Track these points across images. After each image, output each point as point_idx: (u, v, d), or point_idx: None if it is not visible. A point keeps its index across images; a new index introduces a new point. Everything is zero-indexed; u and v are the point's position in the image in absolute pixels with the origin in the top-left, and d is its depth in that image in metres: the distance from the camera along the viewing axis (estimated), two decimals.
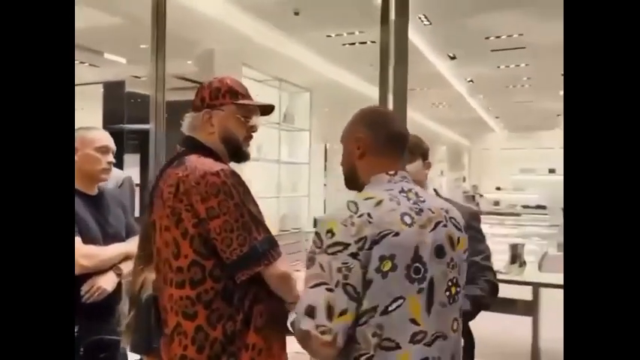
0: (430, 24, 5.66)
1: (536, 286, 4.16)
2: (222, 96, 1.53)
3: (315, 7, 4.99)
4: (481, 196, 14.75)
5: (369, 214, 1.14)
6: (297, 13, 5.04)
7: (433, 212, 1.22)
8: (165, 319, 1.47)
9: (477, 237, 1.89)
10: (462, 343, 1.34)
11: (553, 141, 15.32)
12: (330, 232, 1.14)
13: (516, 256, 4.36)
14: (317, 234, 1.17)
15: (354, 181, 1.35)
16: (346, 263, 1.11)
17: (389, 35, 2.39)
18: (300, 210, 6.95)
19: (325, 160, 8.23)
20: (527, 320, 4.16)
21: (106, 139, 1.92)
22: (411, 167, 1.98)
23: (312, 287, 1.14)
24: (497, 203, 13.92)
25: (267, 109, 1.66)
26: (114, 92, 5.67)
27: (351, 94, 8.20)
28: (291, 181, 6.90)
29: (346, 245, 1.12)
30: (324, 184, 8.26)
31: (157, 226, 1.48)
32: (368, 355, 1.13)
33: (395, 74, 1.79)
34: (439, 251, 1.19)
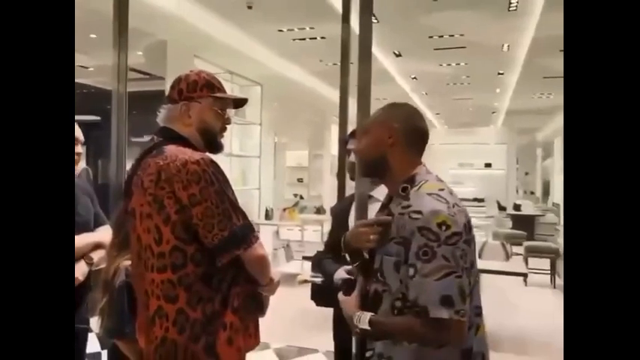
0: (377, 22, 5.84)
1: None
2: (200, 89, 1.59)
3: (268, 1, 5.04)
4: None
5: (457, 204, 1.27)
6: (249, 7, 5.06)
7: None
8: (146, 304, 1.51)
9: None
10: None
11: (489, 137, 16.08)
12: (444, 224, 1.21)
13: None
14: (426, 229, 1.22)
15: (379, 168, 1.42)
16: (463, 250, 1.22)
17: (349, 32, 2.50)
18: (252, 202, 6.99)
19: (274, 154, 8.28)
20: None
21: (75, 130, 1.93)
22: None
23: (439, 279, 1.19)
24: None
25: (240, 102, 1.73)
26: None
27: (300, 89, 8.28)
28: (242, 174, 6.92)
29: (460, 234, 1.22)
30: (274, 177, 8.31)
31: (137, 213, 1.52)
32: (469, 324, 1.28)
33: (360, 71, 1.88)
34: None
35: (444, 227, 1.21)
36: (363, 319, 1.31)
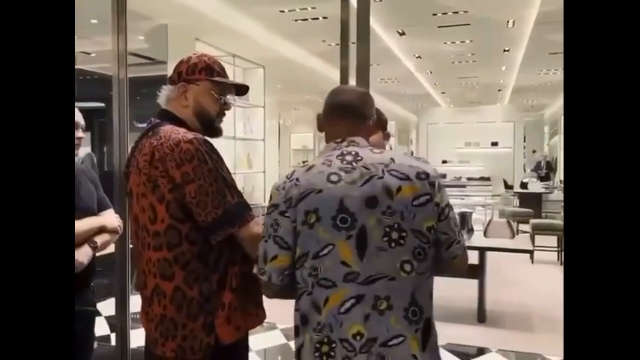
0: (380, 0, 5.77)
1: (483, 251, 4.46)
2: (199, 72, 1.60)
3: None
4: None
5: (297, 179, 1.36)
6: None
7: (367, 169, 1.34)
8: (144, 282, 1.54)
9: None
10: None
11: (495, 115, 15.97)
12: (270, 197, 1.39)
13: (465, 224, 4.65)
14: None
15: None
16: (275, 219, 1.35)
17: (348, 12, 2.48)
18: (258, 185, 7.02)
19: (279, 137, 8.28)
20: (474, 283, 4.46)
21: (75, 115, 1.94)
22: (372, 139, 2.11)
23: (261, 241, 1.40)
24: (443, 176, 14.43)
25: (242, 89, 1.73)
26: None
27: (303, 70, 8.23)
28: (246, 157, 6.93)
29: (277, 206, 1.35)
30: (278, 160, 8.33)
31: (134, 193, 1.54)
32: (308, 292, 1.34)
33: (358, 50, 1.88)
34: (371, 202, 1.31)
35: (270, 199, 1.39)
36: None
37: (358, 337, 1.30)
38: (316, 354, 1.32)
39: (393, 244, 1.30)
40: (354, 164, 1.35)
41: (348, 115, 1.44)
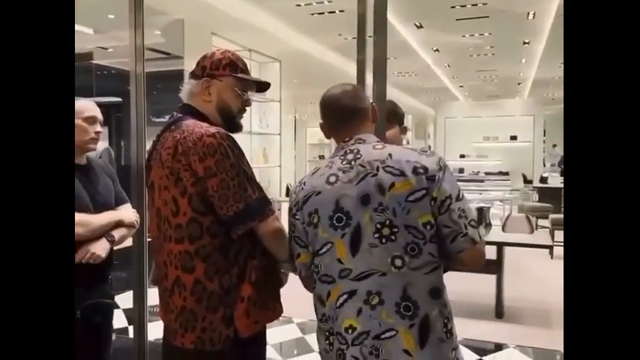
0: None
1: (501, 246, 4.41)
2: (223, 67, 1.61)
3: None
4: None
5: (304, 183, 1.47)
6: None
7: (364, 167, 1.36)
8: (165, 274, 1.55)
9: None
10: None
11: (514, 108, 15.74)
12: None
13: (482, 219, 4.60)
14: None
15: None
16: (291, 222, 1.49)
17: (365, 5, 2.46)
18: (273, 180, 7.03)
19: (295, 131, 8.28)
20: (492, 278, 4.42)
21: (94, 110, 1.95)
22: (388, 133, 2.10)
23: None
24: (461, 170, 14.30)
25: (262, 86, 1.73)
26: (81, 64, 5.54)
27: (320, 65, 8.20)
28: (262, 151, 6.94)
29: (290, 209, 1.49)
30: (294, 155, 8.33)
31: (156, 186, 1.55)
32: (314, 287, 1.47)
33: (375, 44, 1.86)
34: (364, 199, 1.34)
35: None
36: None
37: (350, 331, 1.35)
38: (326, 342, 1.43)
39: (384, 240, 1.32)
40: (353, 163, 1.39)
41: (348, 118, 1.49)
